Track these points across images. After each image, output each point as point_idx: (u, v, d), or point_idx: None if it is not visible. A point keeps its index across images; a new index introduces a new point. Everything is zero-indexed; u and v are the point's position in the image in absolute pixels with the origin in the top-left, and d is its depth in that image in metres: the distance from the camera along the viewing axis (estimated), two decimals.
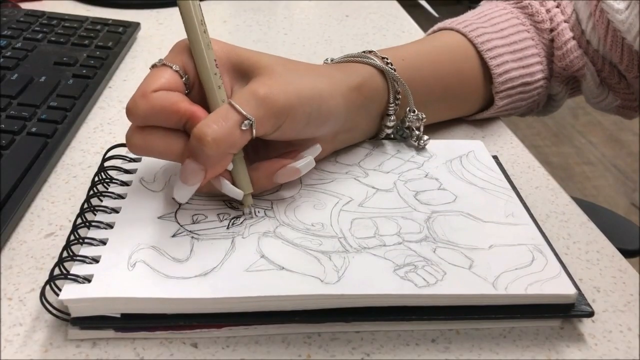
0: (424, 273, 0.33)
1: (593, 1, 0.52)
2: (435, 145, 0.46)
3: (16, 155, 0.43)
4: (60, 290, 0.31)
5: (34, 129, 0.46)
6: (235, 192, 0.37)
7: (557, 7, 0.54)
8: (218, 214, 0.37)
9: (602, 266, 0.38)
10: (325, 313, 0.32)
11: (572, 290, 0.33)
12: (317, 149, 0.39)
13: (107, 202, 0.38)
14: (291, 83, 0.36)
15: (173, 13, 0.77)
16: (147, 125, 0.35)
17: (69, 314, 0.31)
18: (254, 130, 0.34)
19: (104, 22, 0.67)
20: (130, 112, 0.35)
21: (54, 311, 0.31)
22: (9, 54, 0.57)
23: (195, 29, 0.36)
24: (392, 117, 0.45)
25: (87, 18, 0.67)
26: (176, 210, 0.37)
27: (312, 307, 0.32)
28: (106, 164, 0.41)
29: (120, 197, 0.38)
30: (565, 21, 0.53)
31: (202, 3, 0.81)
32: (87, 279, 0.32)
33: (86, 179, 0.44)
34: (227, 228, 0.36)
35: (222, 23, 0.76)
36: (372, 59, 0.43)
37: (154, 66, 0.36)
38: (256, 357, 0.31)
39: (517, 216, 0.39)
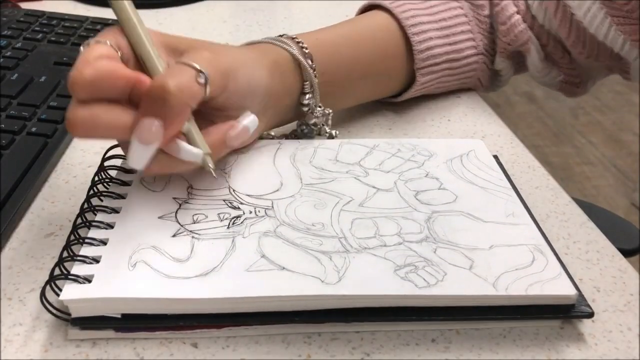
0: (425, 273, 0.33)
1: None
2: (436, 144, 0.46)
3: (16, 155, 0.43)
4: (60, 290, 0.31)
5: (34, 129, 0.46)
6: (195, 153, 0.36)
7: None
8: (218, 214, 0.37)
9: (602, 266, 0.38)
10: (325, 313, 0.32)
11: (572, 291, 0.33)
12: (251, 116, 0.40)
13: (108, 202, 0.38)
14: (227, 51, 0.40)
15: (173, 13, 0.77)
16: (90, 97, 0.33)
17: (69, 314, 0.31)
18: (207, 87, 0.35)
19: (104, 22, 0.67)
20: (75, 81, 0.32)
21: (54, 311, 0.31)
22: (9, 54, 0.57)
23: (125, 9, 0.37)
24: (308, 96, 0.46)
25: (87, 18, 0.67)
26: (176, 210, 0.37)
27: (313, 308, 0.32)
28: (106, 163, 0.41)
29: (121, 197, 0.38)
30: None
31: (202, 3, 0.81)
32: (88, 279, 0.32)
33: (86, 179, 0.44)
34: (228, 228, 0.36)
35: (222, 23, 0.76)
36: (284, 41, 0.45)
37: (86, 45, 0.35)
38: (256, 357, 0.31)
39: (518, 216, 0.39)
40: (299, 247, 0.35)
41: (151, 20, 0.73)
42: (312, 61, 0.45)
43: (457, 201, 0.40)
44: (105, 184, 0.40)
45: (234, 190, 0.40)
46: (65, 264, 0.33)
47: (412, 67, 0.52)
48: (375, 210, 0.38)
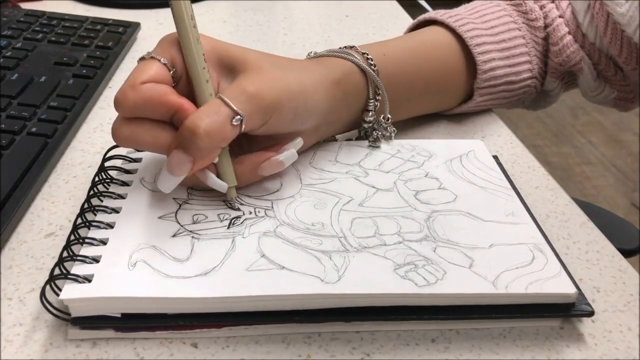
0: (424, 272, 0.33)
1: None
2: (435, 144, 0.46)
3: (16, 155, 0.43)
4: (60, 290, 0.31)
5: (34, 129, 0.46)
6: (220, 185, 0.37)
7: (552, 1, 0.54)
8: (218, 214, 0.37)
9: (602, 266, 0.38)
10: (325, 313, 0.32)
11: (572, 290, 0.33)
12: (298, 143, 0.40)
13: (108, 202, 0.38)
14: (278, 79, 0.37)
15: None
16: (135, 117, 0.35)
17: (69, 314, 0.31)
18: (243, 126, 0.35)
19: (104, 22, 0.67)
20: (118, 103, 0.35)
21: (54, 311, 0.31)
22: (9, 54, 0.57)
23: (185, 23, 0.36)
24: (371, 113, 0.45)
25: (87, 18, 0.67)
26: (176, 210, 0.37)
27: (313, 307, 0.32)
28: (106, 163, 0.41)
29: (121, 197, 0.38)
30: (560, 16, 0.53)
31: (202, 3, 0.81)
32: (88, 279, 0.32)
33: (86, 179, 0.44)
34: (228, 228, 0.36)
35: (222, 23, 0.76)
36: (353, 55, 0.44)
37: (142, 59, 0.37)
38: (256, 357, 0.31)
39: (517, 215, 0.39)
40: (298, 247, 0.35)
41: (151, 21, 0.73)
42: (378, 77, 0.45)
43: (457, 201, 0.40)
44: (105, 184, 0.40)
45: None
46: (65, 264, 0.33)
47: (471, 84, 0.51)
48: (375, 210, 0.38)
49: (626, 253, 0.40)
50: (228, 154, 0.38)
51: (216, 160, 0.37)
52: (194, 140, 0.33)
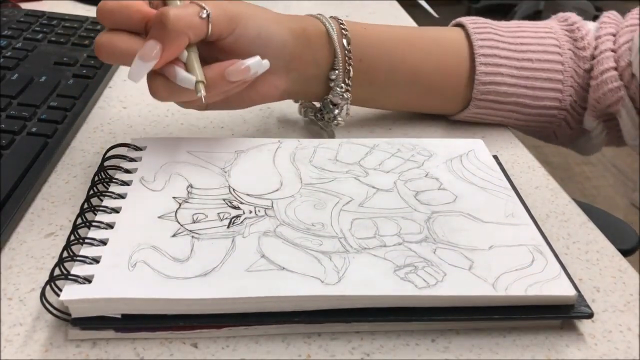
0: (424, 274, 0.33)
1: None
2: (436, 144, 0.46)
3: (16, 155, 0.43)
4: (60, 290, 0.31)
5: (34, 129, 0.46)
6: (187, 78, 0.39)
7: (614, 34, 0.50)
8: (218, 213, 0.37)
9: (602, 266, 0.38)
10: (325, 313, 0.32)
11: (572, 292, 0.33)
12: (266, 62, 0.41)
13: (108, 202, 0.38)
14: (245, 5, 0.43)
15: None
16: (114, 27, 0.39)
17: (69, 314, 0.31)
18: (210, 24, 0.39)
19: None
20: (99, 9, 0.39)
21: (55, 311, 0.31)
22: (9, 54, 0.57)
23: None
24: (336, 71, 0.46)
25: (87, 18, 0.67)
26: (176, 210, 0.37)
27: (313, 308, 0.32)
28: (106, 163, 0.41)
29: (121, 196, 0.38)
30: (612, 50, 0.48)
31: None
32: (88, 280, 0.32)
33: (86, 179, 0.44)
34: (228, 227, 0.36)
35: None
36: (324, 16, 0.47)
37: None
38: (256, 357, 0.31)
39: (517, 216, 0.39)
40: (298, 247, 0.35)
41: None
42: (348, 43, 0.46)
43: (457, 201, 0.40)
44: (105, 184, 0.40)
45: (233, 190, 0.40)
46: (66, 264, 0.33)
47: (470, 94, 0.50)
48: (375, 211, 0.38)
49: (623, 253, 0.40)
50: (197, 54, 0.40)
51: (184, 57, 0.39)
52: (163, 23, 0.37)
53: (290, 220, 0.37)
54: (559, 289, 0.33)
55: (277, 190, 0.40)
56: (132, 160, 0.42)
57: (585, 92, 0.50)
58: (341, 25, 0.46)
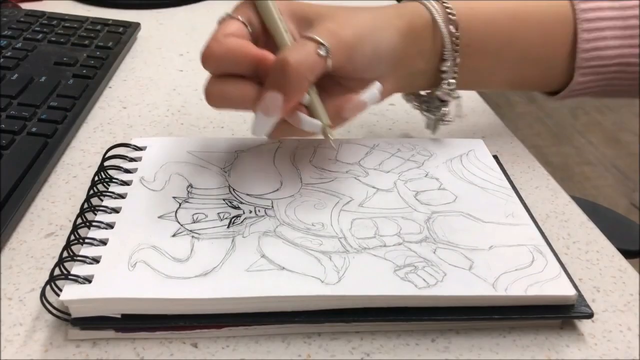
0: (424, 274, 0.33)
1: None
2: (436, 143, 0.46)
3: (16, 155, 0.43)
4: (60, 290, 0.31)
5: (34, 129, 0.46)
6: (314, 124, 0.38)
7: None
8: (218, 213, 0.37)
9: (602, 266, 0.38)
10: (325, 313, 0.32)
11: (572, 292, 0.33)
12: (378, 86, 0.40)
13: (108, 202, 0.38)
14: (353, 19, 0.40)
15: (173, 13, 0.77)
16: (221, 72, 0.37)
17: (69, 314, 0.31)
18: (329, 59, 0.36)
19: (104, 22, 0.67)
20: (205, 56, 0.36)
21: (55, 311, 0.31)
22: (9, 54, 0.57)
23: None
24: (448, 63, 0.44)
25: (87, 18, 0.67)
26: (176, 210, 0.37)
27: (312, 308, 0.32)
28: (106, 163, 0.41)
29: (121, 196, 0.38)
30: None
31: (202, 3, 0.81)
32: (88, 280, 0.32)
33: (86, 179, 0.44)
34: (228, 227, 0.36)
35: None
36: (430, 1, 0.43)
37: (221, 19, 0.38)
38: (256, 357, 0.31)
39: (517, 216, 0.39)
40: (298, 247, 0.35)
41: (151, 21, 0.73)
42: (456, 29, 0.43)
43: (457, 201, 0.40)
44: (105, 184, 0.40)
45: (233, 190, 0.40)
46: (66, 264, 0.33)
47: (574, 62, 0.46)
48: (375, 211, 0.38)
49: (630, 254, 0.40)
50: (317, 95, 0.38)
51: (306, 99, 0.38)
52: (285, 72, 0.35)
53: (290, 220, 0.37)
54: (559, 289, 0.33)
55: (277, 190, 0.40)
56: (132, 160, 0.42)
57: None
58: (447, 10, 0.43)
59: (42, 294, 0.31)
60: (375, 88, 0.40)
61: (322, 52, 0.36)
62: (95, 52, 0.60)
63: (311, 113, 0.38)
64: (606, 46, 0.46)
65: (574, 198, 0.46)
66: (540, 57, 0.47)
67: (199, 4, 0.81)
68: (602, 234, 0.41)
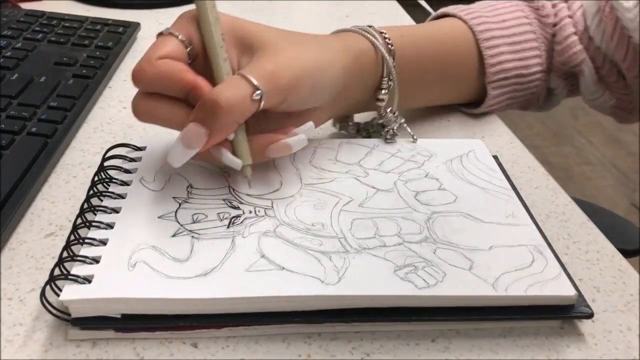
0: (424, 274, 0.33)
1: None
2: (436, 144, 0.46)
3: (16, 155, 0.43)
4: (60, 290, 0.31)
5: (34, 129, 0.46)
6: (235, 162, 0.37)
7: (565, 1, 0.55)
8: (218, 213, 0.37)
9: (602, 266, 0.38)
10: (325, 313, 0.32)
11: (572, 292, 0.33)
12: (309, 127, 0.40)
13: (107, 202, 0.38)
14: (296, 57, 0.38)
15: (173, 13, 0.77)
16: (152, 92, 0.36)
17: (69, 314, 0.31)
18: (262, 102, 0.35)
19: (104, 22, 0.67)
20: (135, 77, 0.36)
21: (54, 311, 0.31)
22: (9, 54, 0.57)
23: (204, 1, 0.37)
24: (384, 91, 0.46)
25: (87, 18, 0.67)
26: (176, 210, 0.37)
27: (313, 308, 0.32)
28: (106, 163, 0.41)
29: (120, 197, 0.38)
30: (569, 16, 0.54)
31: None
32: (88, 280, 0.32)
33: (86, 179, 0.44)
34: (228, 227, 0.36)
35: None
36: (373, 33, 0.45)
37: (160, 34, 0.38)
38: (256, 357, 0.31)
39: (517, 216, 0.39)
40: (298, 247, 0.35)
41: (151, 21, 0.73)
42: (393, 59, 0.45)
43: (457, 202, 0.40)
44: (105, 184, 0.40)
45: (233, 190, 0.40)
46: (65, 264, 0.33)
47: (483, 79, 0.52)
48: (375, 211, 0.38)
49: (628, 254, 0.40)
50: (244, 131, 0.38)
51: (231, 137, 0.37)
52: (215, 113, 0.34)
53: (290, 220, 0.37)
54: (559, 289, 0.33)
55: (277, 190, 0.40)
56: (132, 160, 0.42)
57: (551, 55, 0.55)
58: (387, 41, 0.45)
59: (42, 294, 0.31)
60: (306, 132, 0.39)
61: (256, 97, 0.35)
62: (95, 52, 0.60)
63: (234, 149, 0.38)
64: (505, 60, 0.52)
65: (572, 199, 0.46)
66: (455, 76, 0.52)
67: None
68: (602, 234, 0.41)
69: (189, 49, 0.37)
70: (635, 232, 0.77)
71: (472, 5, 0.55)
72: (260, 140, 0.38)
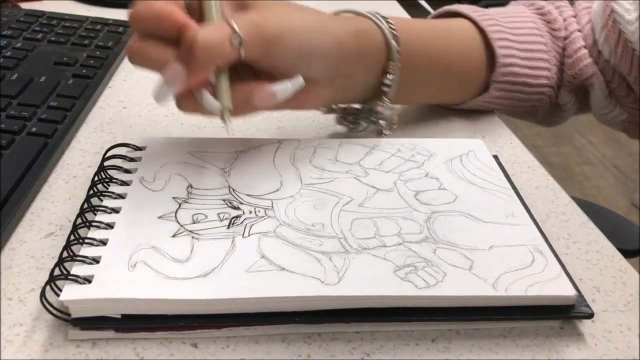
0: (424, 274, 0.33)
1: (607, 12, 0.52)
2: (436, 144, 0.46)
3: (16, 155, 0.43)
4: (60, 290, 0.31)
5: (34, 129, 0.46)
6: (213, 104, 0.38)
7: (574, 16, 0.55)
8: (218, 214, 0.37)
9: (602, 266, 0.38)
10: (325, 313, 0.32)
11: (572, 292, 0.33)
12: (299, 81, 0.40)
13: (107, 202, 0.38)
14: (284, 14, 0.39)
15: None
16: (147, 33, 0.37)
17: (69, 314, 0.31)
18: (242, 50, 0.36)
19: (104, 22, 0.67)
20: (131, 16, 0.37)
21: (54, 311, 0.31)
22: (9, 54, 0.57)
23: None
24: (391, 76, 0.45)
25: (87, 18, 0.67)
26: (176, 210, 0.37)
27: (313, 308, 0.32)
28: (106, 163, 0.41)
29: (120, 196, 0.38)
30: (578, 30, 0.54)
31: None
32: (88, 280, 0.32)
33: (86, 179, 0.44)
34: (228, 227, 0.36)
35: None
36: (376, 15, 0.45)
37: None
38: (256, 357, 0.31)
39: (517, 216, 0.39)
40: (298, 248, 0.35)
41: None
42: (398, 44, 0.45)
43: (457, 201, 0.40)
44: (105, 184, 0.40)
45: (233, 190, 0.40)
46: (65, 264, 0.33)
47: (488, 79, 0.51)
48: (375, 211, 0.38)
49: (629, 254, 0.40)
50: (227, 78, 0.38)
51: (213, 79, 0.38)
52: (191, 49, 0.35)
53: (290, 221, 0.37)
54: (559, 289, 0.33)
55: (277, 190, 0.40)
56: (132, 160, 0.42)
57: (561, 70, 0.54)
58: (390, 25, 0.45)
59: (42, 294, 0.31)
60: (294, 84, 0.39)
61: (234, 42, 0.36)
62: (95, 52, 0.60)
63: (215, 93, 0.38)
64: (515, 63, 0.51)
65: (572, 198, 0.46)
66: (460, 72, 0.51)
67: None
68: (602, 234, 0.41)
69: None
70: (635, 232, 0.77)
71: (483, 10, 0.55)
72: (244, 87, 0.39)
